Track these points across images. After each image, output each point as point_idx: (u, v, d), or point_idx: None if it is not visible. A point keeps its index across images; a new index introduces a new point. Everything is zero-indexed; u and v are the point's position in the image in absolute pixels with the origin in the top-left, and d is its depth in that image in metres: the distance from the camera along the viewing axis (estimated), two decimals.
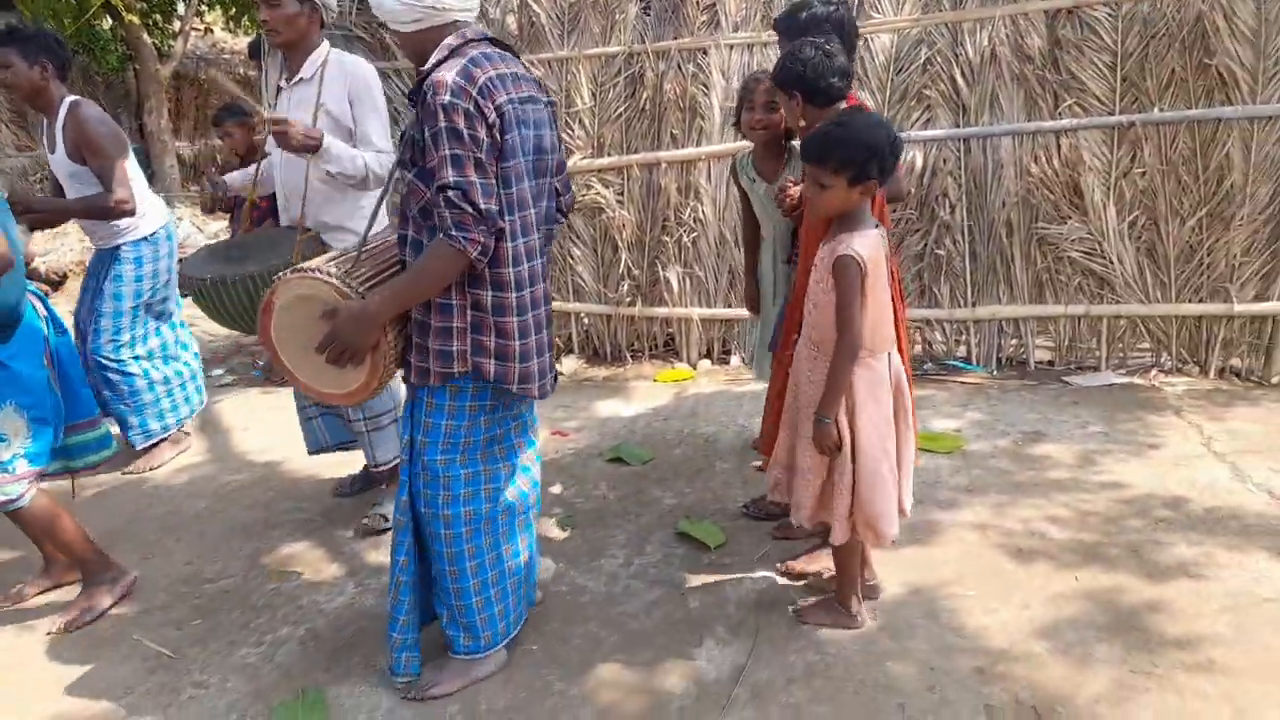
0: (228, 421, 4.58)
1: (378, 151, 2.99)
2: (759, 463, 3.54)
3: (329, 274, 2.14)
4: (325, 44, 3.08)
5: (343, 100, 3.00)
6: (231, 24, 13.24)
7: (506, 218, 2.07)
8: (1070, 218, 4.42)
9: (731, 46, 4.68)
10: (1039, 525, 3.07)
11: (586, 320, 5.14)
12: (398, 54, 4.77)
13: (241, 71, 13.78)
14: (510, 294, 2.12)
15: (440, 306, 2.12)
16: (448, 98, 1.96)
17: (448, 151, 1.97)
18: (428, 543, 2.33)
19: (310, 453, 3.48)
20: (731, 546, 3.04)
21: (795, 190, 2.63)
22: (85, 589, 2.90)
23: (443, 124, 1.96)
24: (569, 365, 5.09)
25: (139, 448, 3.94)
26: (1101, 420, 3.94)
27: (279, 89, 3.13)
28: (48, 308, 2.87)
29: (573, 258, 5.03)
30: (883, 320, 2.31)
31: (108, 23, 10.25)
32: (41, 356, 2.75)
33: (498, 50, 2.15)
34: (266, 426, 4.40)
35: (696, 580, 2.86)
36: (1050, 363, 4.69)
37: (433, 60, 2.06)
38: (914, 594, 2.71)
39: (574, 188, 2.67)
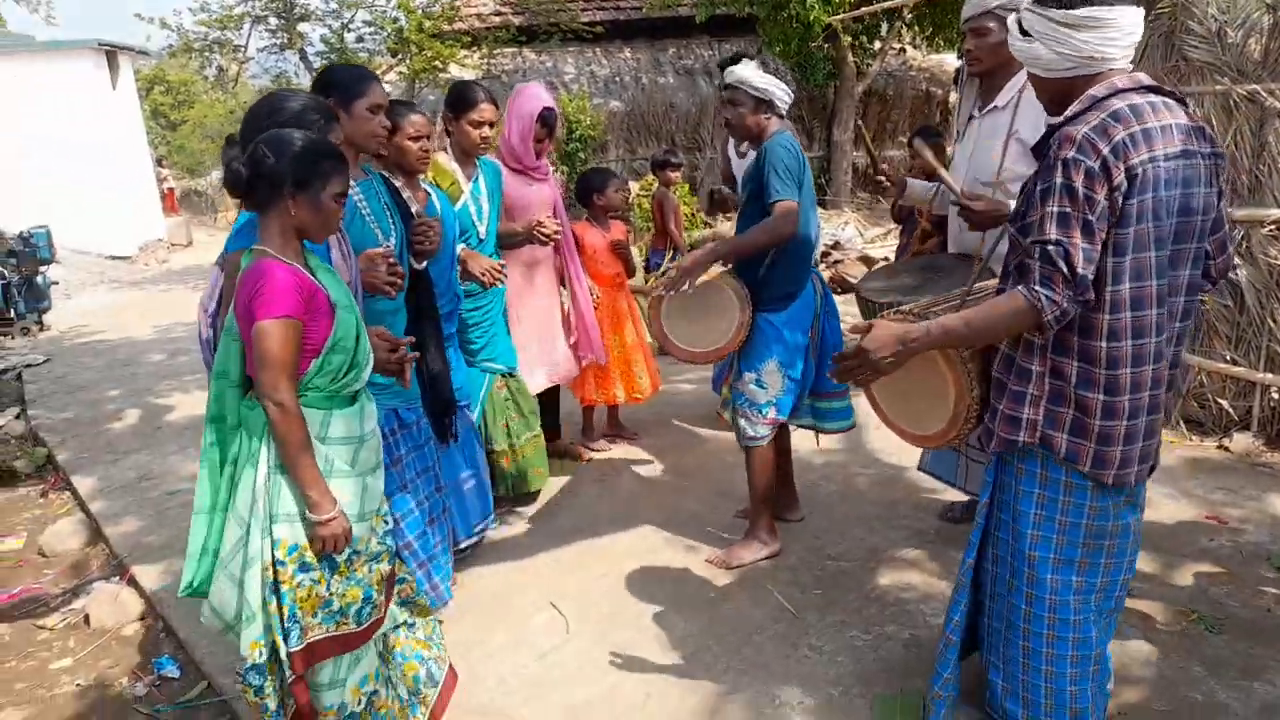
0: (864, 418, 4.93)
1: None
2: None
3: (915, 314, 2.17)
4: (1024, 72, 3.04)
5: (1038, 129, 2.95)
6: (924, 42, 13.96)
7: (1110, 287, 1.88)
8: None
9: None
10: None
11: (1278, 395, 4.34)
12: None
13: (924, 88, 14.47)
14: (1099, 369, 1.93)
15: (1019, 370, 2.01)
16: (1072, 153, 1.83)
17: (1055, 209, 1.84)
18: (1003, 613, 2.22)
19: (918, 469, 3.65)
20: None
21: None
22: (745, 538, 3.44)
23: (1058, 179, 1.84)
24: (1240, 444, 4.37)
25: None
26: None
27: (970, 117, 3.17)
28: (825, 289, 3.43)
29: (1275, 320, 4.28)
30: None
31: (825, 46, 11.58)
32: (809, 329, 3.31)
33: (1156, 99, 1.91)
34: None
35: None
36: None
37: (1070, 111, 1.92)
38: None
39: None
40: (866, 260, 8.64)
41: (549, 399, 4.29)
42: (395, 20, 12.27)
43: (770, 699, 2.61)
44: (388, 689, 2.32)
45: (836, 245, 9.61)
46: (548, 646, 2.95)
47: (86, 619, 3.46)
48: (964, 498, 3.59)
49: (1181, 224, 1.93)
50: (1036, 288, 1.86)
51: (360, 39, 12.84)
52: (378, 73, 11.85)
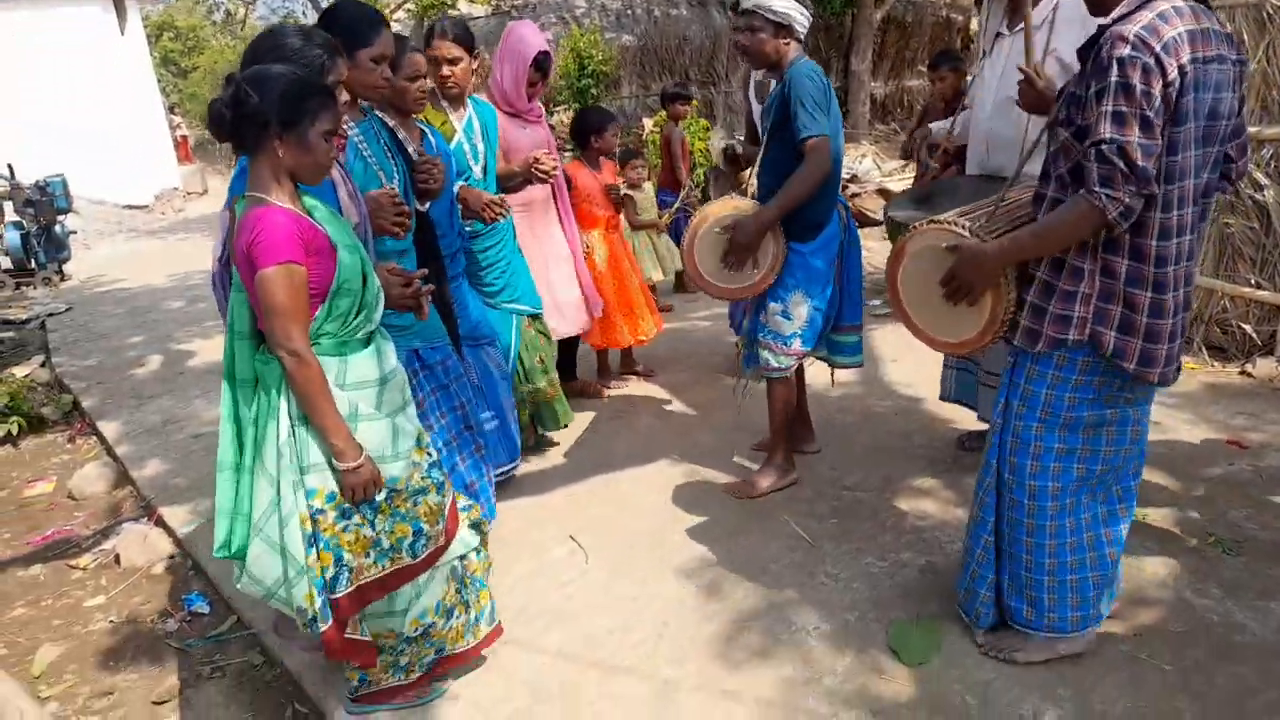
0: (880, 351, 4.92)
1: None
2: None
3: (962, 226, 2.18)
4: None
5: (1075, 46, 2.86)
6: None
7: (1163, 185, 1.90)
8: None
9: None
10: None
11: None
12: None
13: (944, 15, 14.04)
14: (1149, 267, 1.96)
15: (1071, 269, 2.03)
16: (1127, 51, 1.83)
17: (1111, 107, 1.85)
18: (1006, 510, 2.28)
19: (940, 398, 3.64)
20: None
21: None
22: (762, 468, 3.45)
23: (1114, 78, 1.84)
24: (1263, 369, 4.31)
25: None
26: None
27: (998, 35, 3.09)
28: (849, 218, 3.38)
29: None
30: None
31: None
32: (835, 259, 3.27)
33: (1189, 3, 1.93)
34: (916, 362, 4.62)
35: None
36: None
37: (1118, 12, 1.93)
38: None
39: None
40: (884, 193, 8.50)
41: (565, 341, 4.29)
42: None
43: (786, 625, 2.64)
44: (448, 619, 2.33)
45: (854, 178, 9.44)
46: (567, 578, 2.99)
47: (117, 559, 3.55)
48: (983, 426, 3.58)
49: (1210, 126, 1.96)
50: (1097, 188, 1.88)
51: None
52: (386, 9, 11.62)
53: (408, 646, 2.30)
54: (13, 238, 9.15)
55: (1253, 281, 4.25)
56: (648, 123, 10.18)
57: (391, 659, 2.31)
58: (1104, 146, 1.85)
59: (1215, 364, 4.33)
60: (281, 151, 1.94)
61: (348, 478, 2.02)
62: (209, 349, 6.24)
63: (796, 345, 3.24)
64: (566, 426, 3.97)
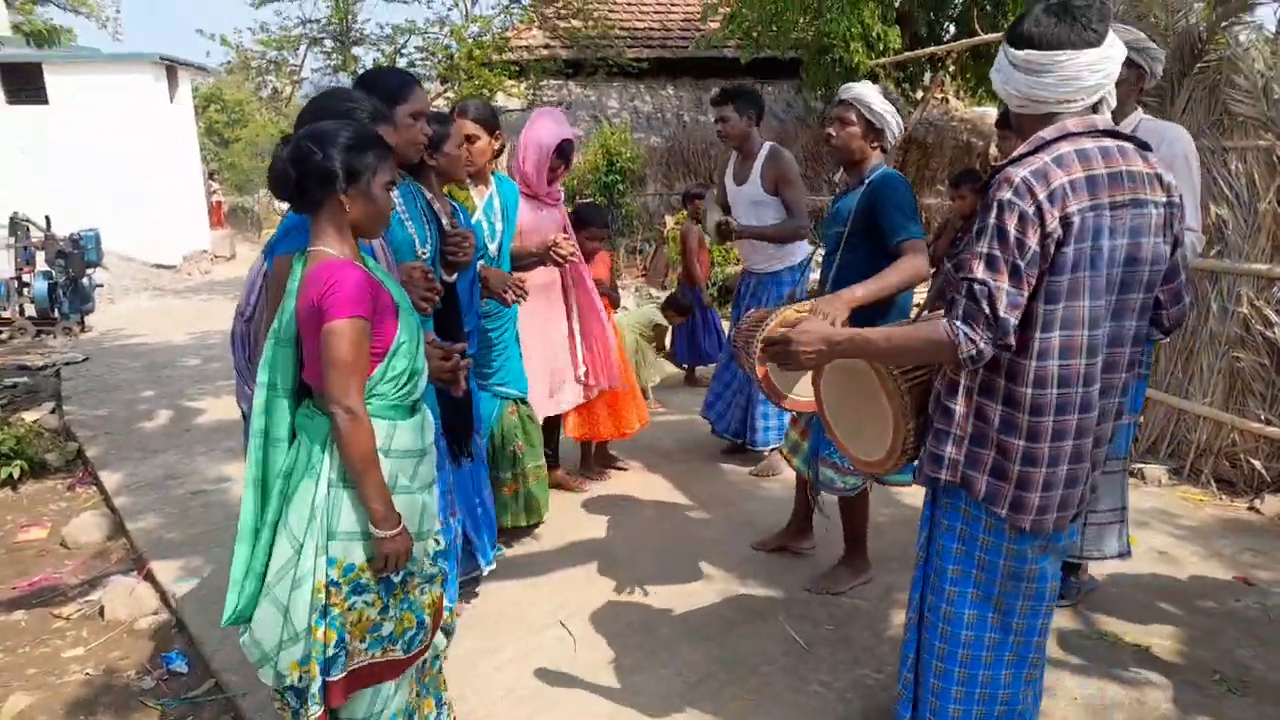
0: None
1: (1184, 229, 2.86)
2: None
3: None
4: (1139, 111, 2.99)
5: None
6: (967, 94, 13.98)
7: (1039, 334, 1.85)
8: None
9: None
10: None
11: None
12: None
13: (965, 139, 14.46)
14: (1023, 414, 1.90)
15: (943, 408, 2.00)
16: (1008, 195, 1.80)
17: (986, 250, 1.82)
18: (921, 649, 2.19)
19: None
20: None
21: None
22: (839, 566, 3.41)
23: (992, 220, 1.81)
24: (1272, 506, 4.26)
25: None
26: None
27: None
28: None
29: None
30: None
31: None
32: None
33: (1110, 144, 1.86)
34: None
35: None
36: None
37: (1017, 152, 1.89)
38: None
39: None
40: None
41: (549, 429, 4.21)
42: (447, 47, 12.53)
43: None
44: None
45: None
46: (554, 664, 2.92)
47: (101, 611, 3.49)
48: None
49: (1129, 273, 1.88)
50: (958, 323, 1.83)
51: (411, 64, 13.10)
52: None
53: None
54: (40, 287, 9.33)
55: (1263, 417, 4.24)
56: (669, 220, 10.43)
57: None
58: (976, 286, 1.82)
59: (1224, 498, 4.29)
60: (347, 205, 1.94)
61: (384, 545, 1.94)
62: (219, 407, 6.27)
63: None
64: (538, 524, 3.85)
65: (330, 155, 1.90)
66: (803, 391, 2.93)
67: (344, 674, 1.99)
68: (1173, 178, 1.95)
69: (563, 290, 4.10)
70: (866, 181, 3.05)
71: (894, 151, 12.24)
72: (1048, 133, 1.87)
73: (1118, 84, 2.87)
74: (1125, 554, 3.20)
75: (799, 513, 3.60)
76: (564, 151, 3.84)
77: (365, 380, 1.92)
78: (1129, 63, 2.92)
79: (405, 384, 2.03)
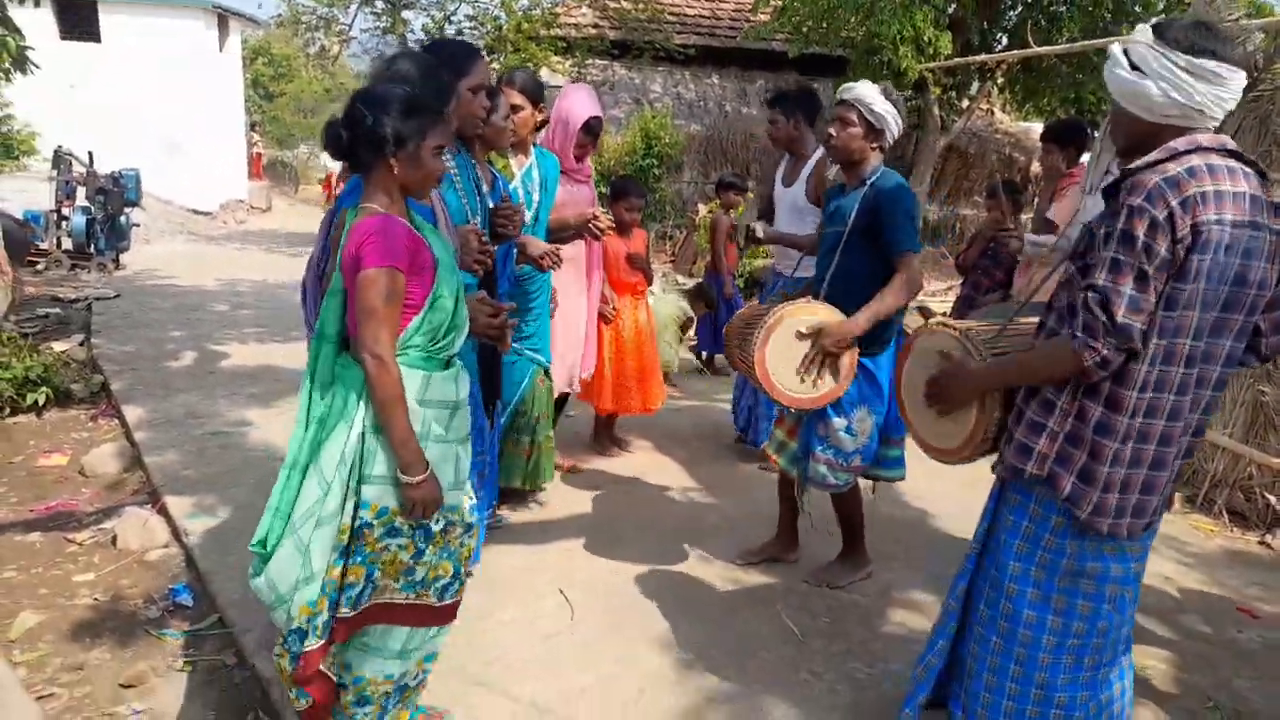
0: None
1: None
2: None
3: (966, 336, 2.20)
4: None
5: None
6: (1014, 108, 13.83)
7: (1154, 340, 1.85)
8: None
9: None
10: None
11: None
12: None
13: (1007, 153, 14.32)
14: (1122, 418, 1.90)
15: (1043, 400, 1.99)
16: (1139, 201, 1.80)
17: (1111, 254, 1.82)
18: (973, 642, 2.18)
19: None
20: None
21: None
22: (838, 560, 3.41)
23: (1120, 225, 1.82)
24: None
25: None
26: None
27: (1106, 172, 3.12)
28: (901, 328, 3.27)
29: None
30: None
31: (912, 95, 11.56)
32: (894, 371, 3.13)
33: (1235, 164, 1.88)
34: (928, 474, 4.58)
35: None
36: None
37: (1149, 158, 1.88)
38: None
39: None
40: (924, 311, 8.56)
41: (556, 405, 4.19)
42: (496, 18, 12.55)
43: (762, 715, 2.59)
44: (396, 700, 2.22)
45: None
46: (552, 630, 2.96)
47: (114, 539, 3.57)
48: None
49: (1234, 293, 1.89)
50: (1079, 334, 1.85)
51: (460, 32, 13.14)
52: None
53: (358, 709, 2.16)
54: (78, 222, 9.48)
55: None
56: (702, 208, 10.41)
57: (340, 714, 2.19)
58: (1091, 295, 1.83)
59: (1235, 530, 4.25)
60: (396, 167, 2.00)
61: (410, 491, 1.99)
62: (244, 353, 6.36)
63: (856, 462, 3.11)
64: (543, 488, 3.89)
65: (380, 120, 1.96)
66: (797, 387, 2.94)
67: (366, 605, 2.05)
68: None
69: (587, 269, 4.12)
70: (869, 183, 3.01)
71: (933, 159, 12.13)
72: (1180, 144, 1.88)
73: None
74: None
75: (785, 523, 3.56)
76: (591, 128, 3.83)
77: (395, 330, 1.97)
78: None
79: (442, 338, 2.08)
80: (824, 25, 11.08)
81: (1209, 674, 2.98)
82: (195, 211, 15.23)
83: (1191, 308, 1.86)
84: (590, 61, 12.86)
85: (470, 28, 13.08)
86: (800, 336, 2.91)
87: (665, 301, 5.99)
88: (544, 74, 12.37)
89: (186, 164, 14.85)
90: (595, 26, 13.11)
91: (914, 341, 2.38)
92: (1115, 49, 1.97)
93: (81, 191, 9.84)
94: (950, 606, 2.26)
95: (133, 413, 4.94)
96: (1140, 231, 1.80)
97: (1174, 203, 1.80)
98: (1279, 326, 2.03)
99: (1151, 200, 1.80)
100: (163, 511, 3.78)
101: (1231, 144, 1.91)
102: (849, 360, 2.96)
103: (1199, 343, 1.90)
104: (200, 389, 5.47)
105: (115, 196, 9.71)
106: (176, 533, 3.62)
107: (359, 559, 2.02)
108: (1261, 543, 4.12)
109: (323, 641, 2.04)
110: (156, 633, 2.96)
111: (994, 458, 2.18)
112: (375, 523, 2.01)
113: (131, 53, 14.44)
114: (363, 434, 2.00)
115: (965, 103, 12.44)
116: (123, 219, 9.91)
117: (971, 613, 2.21)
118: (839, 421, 3.06)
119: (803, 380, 2.93)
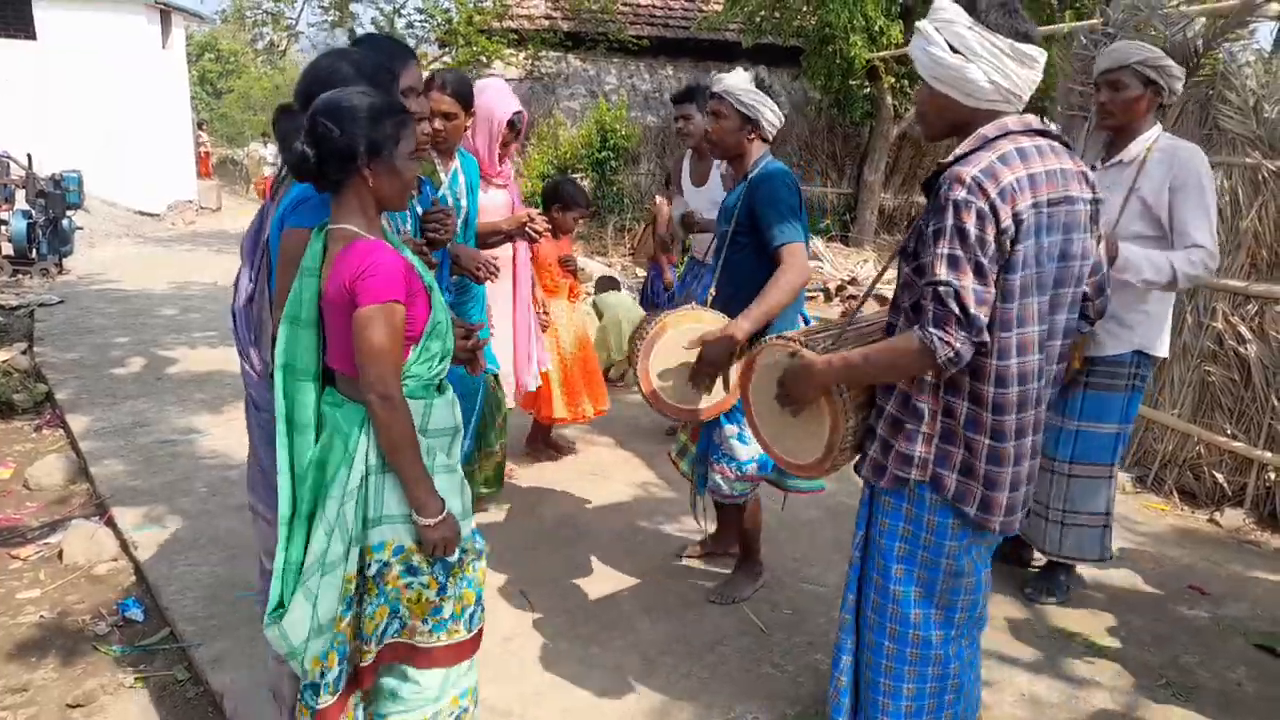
0: None
1: (1191, 246, 2.87)
2: None
3: (800, 343, 2.13)
4: (1157, 128, 3.01)
5: (1162, 191, 2.93)
6: None
7: (999, 333, 1.85)
8: None
9: None
10: None
11: (1275, 476, 4.30)
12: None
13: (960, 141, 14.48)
14: (986, 413, 1.91)
15: (913, 408, 1.97)
16: (963, 195, 1.79)
17: (946, 250, 1.80)
18: (867, 650, 2.18)
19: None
20: None
21: None
22: (736, 574, 3.30)
23: (949, 221, 1.80)
24: (1231, 519, 4.33)
25: None
26: None
27: (1092, 168, 3.08)
28: None
29: None
30: None
31: (865, 84, 11.63)
32: None
33: (1044, 142, 1.89)
34: None
35: None
36: None
37: (961, 150, 1.88)
38: None
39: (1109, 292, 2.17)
40: (881, 300, 8.62)
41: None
42: (446, 10, 12.38)
43: (725, 710, 2.59)
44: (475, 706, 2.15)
45: (853, 280, 9.61)
46: (511, 632, 2.93)
47: (60, 554, 3.47)
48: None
49: (1062, 269, 1.92)
50: (930, 329, 1.82)
51: (410, 25, 12.95)
52: (424, 63, 11.95)
53: None
54: (19, 226, 9.19)
55: (1228, 431, 4.30)
56: (659, 200, 10.38)
57: None
58: (940, 289, 1.80)
59: (1185, 508, 4.35)
60: (371, 180, 1.84)
61: (429, 533, 1.89)
62: (193, 358, 6.23)
63: (752, 470, 2.93)
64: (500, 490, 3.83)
65: (350, 131, 1.79)
66: (685, 398, 2.83)
67: (394, 639, 1.97)
68: (1096, 177, 2.00)
69: (513, 274, 3.82)
70: (748, 177, 2.89)
71: (887, 147, 12.23)
72: (989, 130, 1.87)
73: (1135, 100, 2.93)
74: (1106, 558, 3.26)
75: (724, 517, 3.50)
76: (515, 124, 3.58)
77: (401, 366, 1.86)
78: (1146, 80, 2.94)
79: (438, 364, 1.98)
80: (776, 15, 11.11)
81: (1160, 651, 3.04)
82: (142, 213, 14.87)
83: (1029, 294, 1.87)
84: (543, 54, 12.75)
85: (420, 20, 12.89)
86: (688, 345, 2.77)
87: (624, 297, 5.97)
88: (497, 66, 12.26)
89: (131, 164, 14.49)
90: (548, 18, 13.00)
91: (754, 359, 2.25)
92: (926, 26, 1.90)
93: (21, 195, 9.55)
94: (844, 620, 2.23)
95: (78, 422, 4.81)
96: (970, 224, 1.79)
97: (993, 194, 1.79)
98: (1101, 289, 2.11)
99: (973, 192, 1.79)
100: (111, 524, 3.68)
101: (1036, 122, 1.91)
102: (737, 367, 2.76)
103: (1044, 326, 1.91)
104: (148, 396, 5.34)
105: (56, 199, 9.44)
106: (125, 545, 3.53)
107: (381, 600, 1.93)
108: (1211, 520, 4.22)
109: (336, 697, 1.95)
110: (105, 649, 2.89)
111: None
112: (393, 561, 1.92)
113: (70, 49, 14.03)
114: (365, 474, 1.88)
115: (917, 89, 12.53)
116: (65, 222, 9.64)
117: (862, 618, 2.19)
118: (731, 429, 2.92)
119: (692, 390, 2.81)
